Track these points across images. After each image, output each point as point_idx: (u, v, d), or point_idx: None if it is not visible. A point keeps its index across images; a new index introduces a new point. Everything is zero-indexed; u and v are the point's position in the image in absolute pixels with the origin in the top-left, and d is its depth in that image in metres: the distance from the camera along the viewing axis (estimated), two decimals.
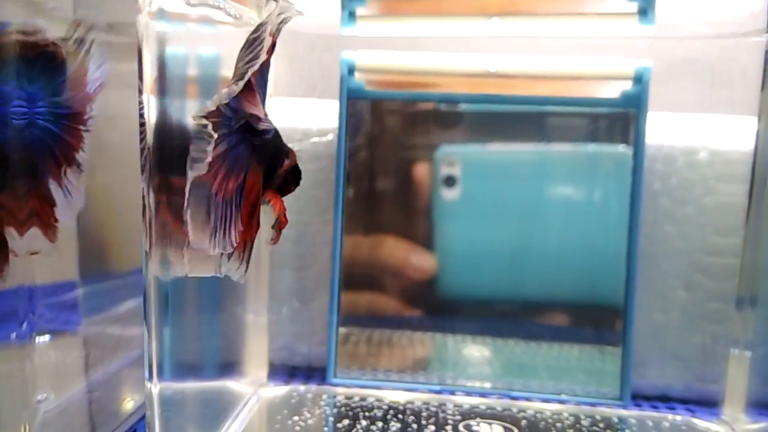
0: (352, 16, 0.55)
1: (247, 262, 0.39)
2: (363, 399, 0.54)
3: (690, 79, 0.53)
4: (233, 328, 0.51)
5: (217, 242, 0.35)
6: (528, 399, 0.55)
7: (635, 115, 0.54)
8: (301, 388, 0.56)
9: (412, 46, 0.57)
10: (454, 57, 0.57)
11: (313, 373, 0.59)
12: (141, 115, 0.34)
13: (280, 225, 0.39)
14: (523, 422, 0.50)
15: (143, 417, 0.38)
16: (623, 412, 0.53)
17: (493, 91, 0.56)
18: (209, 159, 0.33)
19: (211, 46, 0.41)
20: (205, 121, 0.33)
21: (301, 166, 0.40)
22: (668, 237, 0.55)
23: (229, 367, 0.50)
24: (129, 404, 0.49)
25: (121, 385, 0.49)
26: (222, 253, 0.37)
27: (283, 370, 0.59)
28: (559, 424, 0.50)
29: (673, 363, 0.56)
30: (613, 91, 0.55)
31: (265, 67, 0.37)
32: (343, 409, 0.52)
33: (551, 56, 0.55)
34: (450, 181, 0.56)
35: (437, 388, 0.56)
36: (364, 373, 0.57)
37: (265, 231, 0.40)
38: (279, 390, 0.55)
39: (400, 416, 0.51)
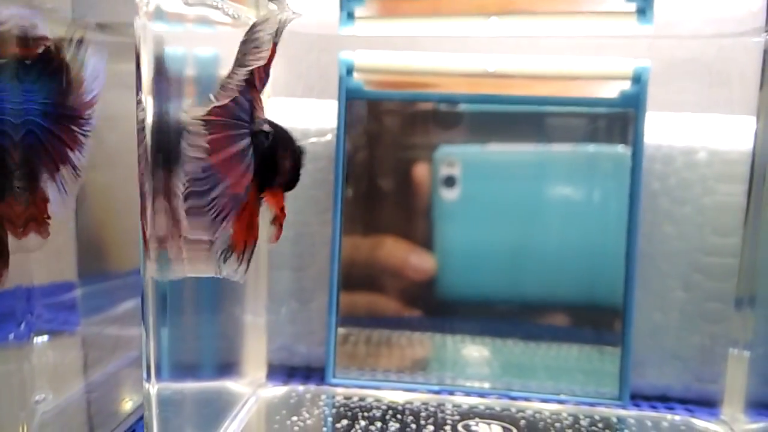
0: (350, 16, 0.55)
1: (248, 263, 0.39)
2: (362, 399, 0.54)
3: (688, 78, 0.53)
4: (232, 329, 0.51)
5: (218, 234, 0.36)
6: (527, 399, 0.55)
7: (634, 115, 0.54)
8: (300, 388, 0.56)
9: (410, 46, 0.57)
10: (453, 57, 0.57)
11: (311, 373, 0.59)
12: (139, 116, 0.34)
13: (277, 219, 0.39)
14: (522, 422, 0.50)
15: (142, 417, 0.38)
16: (622, 412, 0.53)
17: (492, 91, 0.56)
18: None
19: (209, 46, 0.41)
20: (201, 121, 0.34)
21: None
22: (667, 237, 0.55)
23: (227, 367, 0.50)
24: (128, 405, 0.49)
25: (120, 386, 0.49)
26: (221, 255, 0.37)
27: (282, 371, 0.59)
28: (558, 424, 0.50)
29: (672, 363, 0.56)
30: (611, 91, 0.55)
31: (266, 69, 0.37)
32: (341, 409, 0.52)
33: (550, 56, 0.55)
34: (449, 182, 0.56)
35: (436, 388, 0.56)
36: (363, 374, 0.57)
37: (265, 231, 0.40)
38: (278, 390, 0.55)
39: (398, 416, 0.51)
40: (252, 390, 0.54)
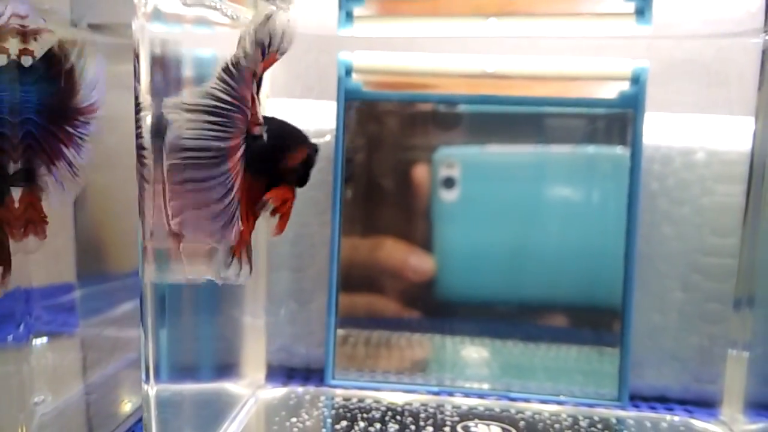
0: (349, 16, 0.55)
1: (248, 264, 0.39)
2: (361, 400, 0.54)
3: (687, 79, 0.53)
4: (231, 330, 0.51)
5: (222, 236, 0.36)
6: (526, 400, 0.55)
7: (632, 116, 0.54)
8: (299, 389, 0.56)
9: (409, 46, 0.57)
10: (451, 58, 0.57)
11: (311, 374, 0.59)
12: (137, 117, 0.34)
13: (277, 211, 0.39)
14: (522, 423, 0.50)
15: (141, 419, 0.38)
16: (621, 413, 0.53)
17: (491, 91, 0.56)
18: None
19: (207, 47, 0.41)
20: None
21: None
22: (666, 238, 0.55)
23: (226, 368, 0.50)
24: (127, 406, 0.49)
25: (119, 387, 0.49)
26: (222, 259, 0.37)
27: (281, 372, 0.59)
28: (557, 425, 0.50)
29: (670, 364, 0.56)
30: (610, 91, 0.55)
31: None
32: (341, 410, 0.52)
33: (549, 57, 0.55)
34: (449, 183, 0.56)
35: (435, 389, 0.56)
36: (363, 375, 0.57)
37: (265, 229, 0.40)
38: (277, 391, 0.55)
39: (398, 417, 0.51)
40: (251, 391, 0.54)
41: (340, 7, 0.55)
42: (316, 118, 0.57)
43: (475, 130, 0.57)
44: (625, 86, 0.54)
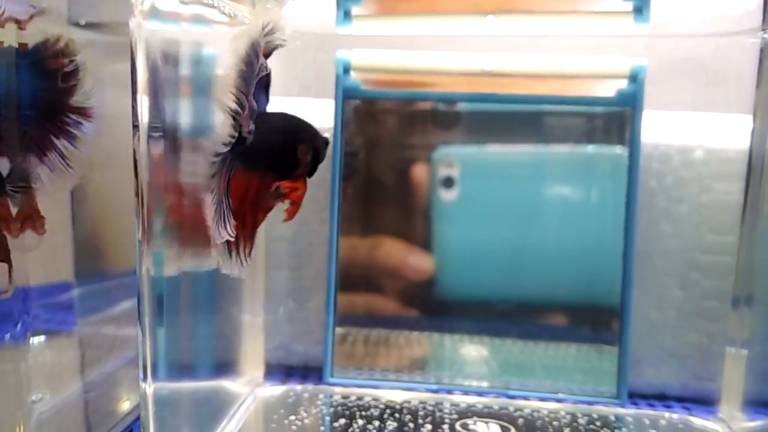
0: (347, 15, 0.55)
1: (244, 258, 0.39)
2: (360, 398, 0.54)
3: (685, 77, 0.53)
4: (229, 328, 0.51)
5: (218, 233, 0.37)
6: (525, 398, 0.55)
7: (631, 114, 0.54)
8: (298, 387, 0.56)
9: (407, 45, 0.57)
10: (449, 56, 0.57)
11: (309, 372, 0.59)
12: (134, 115, 0.34)
13: (286, 197, 0.40)
14: (520, 421, 0.50)
15: (139, 417, 0.38)
16: (620, 411, 0.53)
17: (489, 90, 0.56)
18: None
19: (205, 46, 0.41)
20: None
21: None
22: (664, 236, 0.55)
23: (225, 366, 0.50)
24: (125, 404, 0.49)
25: (118, 386, 0.49)
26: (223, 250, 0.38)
27: (280, 370, 0.59)
28: (555, 423, 0.50)
29: (669, 361, 0.56)
30: (608, 89, 0.55)
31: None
32: (339, 408, 0.52)
33: (547, 55, 0.55)
34: (448, 183, 0.56)
35: (434, 387, 0.56)
36: (361, 373, 0.57)
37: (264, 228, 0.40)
38: (275, 390, 0.55)
39: (396, 415, 0.51)
40: (249, 389, 0.54)
41: (338, 5, 0.55)
42: (314, 117, 0.57)
43: (474, 128, 0.57)
44: (624, 84, 0.54)
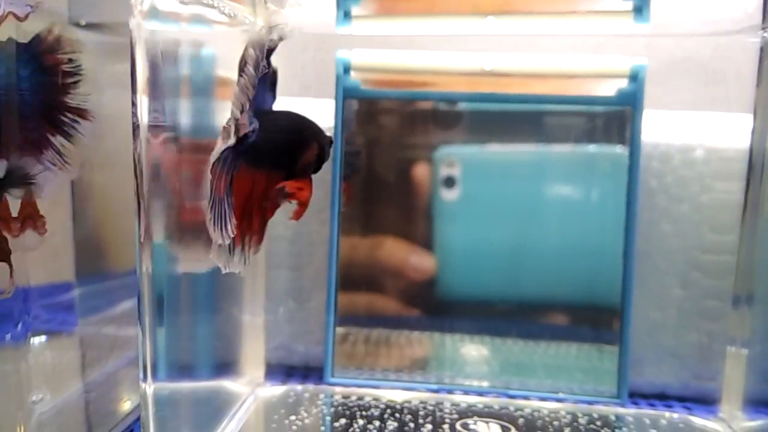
0: (347, 14, 0.55)
1: (248, 256, 0.39)
2: (360, 398, 0.54)
3: (685, 76, 0.53)
4: (229, 328, 0.51)
5: (218, 234, 0.37)
6: (525, 398, 0.55)
7: (631, 113, 0.54)
8: (299, 387, 0.56)
9: (407, 44, 0.57)
10: (449, 56, 0.57)
11: (310, 372, 0.59)
12: (134, 115, 0.34)
13: (293, 196, 0.41)
14: (521, 421, 0.50)
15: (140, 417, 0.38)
16: (620, 411, 0.53)
17: (490, 89, 0.56)
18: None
19: (205, 46, 0.41)
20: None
21: None
22: (664, 235, 0.55)
23: (225, 366, 0.50)
24: (126, 404, 0.49)
25: (118, 386, 0.49)
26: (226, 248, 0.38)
27: (280, 370, 0.59)
28: (556, 423, 0.50)
29: (670, 361, 0.56)
30: (609, 89, 0.55)
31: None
32: (340, 408, 0.52)
33: (547, 54, 0.55)
34: (449, 182, 0.56)
35: (435, 387, 0.56)
36: (362, 373, 0.57)
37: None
38: (276, 390, 0.55)
39: (397, 415, 0.51)
40: (250, 389, 0.54)
41: (338, 5, 0.55)
42: (315, 117, 0.57)
43: (475, 128, 0.57)
44: (624, 84, 0.54)
